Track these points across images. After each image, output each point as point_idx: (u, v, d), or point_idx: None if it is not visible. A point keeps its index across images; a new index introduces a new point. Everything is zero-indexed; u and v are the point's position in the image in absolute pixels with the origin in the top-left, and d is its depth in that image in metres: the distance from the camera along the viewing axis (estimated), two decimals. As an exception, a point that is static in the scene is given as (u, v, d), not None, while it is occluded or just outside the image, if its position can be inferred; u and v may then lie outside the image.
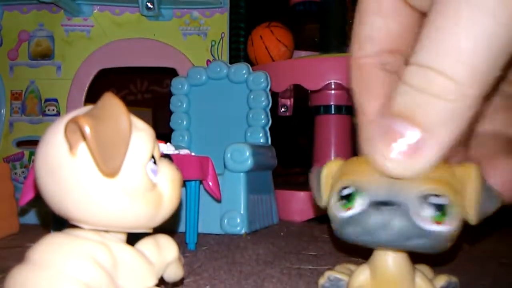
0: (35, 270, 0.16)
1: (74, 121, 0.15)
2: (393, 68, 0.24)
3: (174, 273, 0.21)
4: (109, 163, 0.16)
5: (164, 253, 0.20)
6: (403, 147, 0.19)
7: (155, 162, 0.18)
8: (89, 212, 0.17)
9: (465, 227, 0.22)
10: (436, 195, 0.20)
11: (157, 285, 0.19)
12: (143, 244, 0.20)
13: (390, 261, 0.22)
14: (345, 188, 0.22)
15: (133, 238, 0.19)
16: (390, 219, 0.20)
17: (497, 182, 0.25)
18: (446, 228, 0.20)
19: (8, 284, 0.17)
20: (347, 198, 0.22)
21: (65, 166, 0.16)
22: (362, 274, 0.23)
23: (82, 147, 0.16)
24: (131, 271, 0.18)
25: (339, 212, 0.22)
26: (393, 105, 0.20)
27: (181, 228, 0.48)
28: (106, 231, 0.18)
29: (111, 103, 0.16)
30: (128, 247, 0.19)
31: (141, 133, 0.18)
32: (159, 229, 0.20)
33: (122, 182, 0.17)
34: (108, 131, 0.16)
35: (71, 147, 0.16)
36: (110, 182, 0.17)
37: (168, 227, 0.40)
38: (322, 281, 0.27)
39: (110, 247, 0.18)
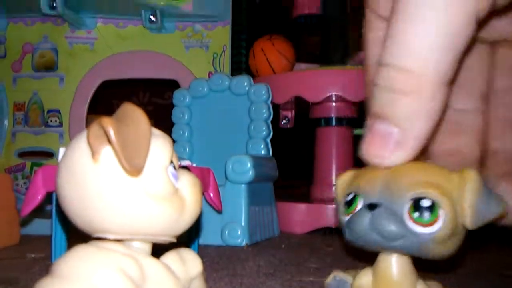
0: (63, 283, 0.16)
1: (97, 124, 0.16)
2: None
3: None
4: (133, 161, 0.16)
5: (188, 268, 0.20)
6: (385, 144, 0.21)
7: (175, 168, 0.18)
8: (113, 219, 0.17)
9: (468, 236, 0.22)
10: (426, 198, 0.20)
11: None
12: (167, 258, 0.20)
13: (392, 264, 0.22)
14: (349, 194, 0.23)
15: (156, 252, 0.19)
16: (377, 220, 0.20)
17: None
18: (434, 230, 0.20)
19: None
20: (350, 203, 0.22)
21: (87, 173, 0.16)
22: (365, 275, 0.23)
23: (105, 152, 0.16)
24: (159, 285, 0.18)
25: (343, 217, 0.23)
26: (372, 106, 0.21)
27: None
28: (131, 240, 0.18)
29: (131, 108, 0.17)
30: (155, 261, 0.18)
31: (159, 138, 0.18)
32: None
33: (145, 185, 0.17)
34: (130, 131, 0.16)
35: (94, 153, 0.16)
36: (134, 185, 0.16)
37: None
38: (328, 280, 0.27)
39: (138, 259, 0.17)
